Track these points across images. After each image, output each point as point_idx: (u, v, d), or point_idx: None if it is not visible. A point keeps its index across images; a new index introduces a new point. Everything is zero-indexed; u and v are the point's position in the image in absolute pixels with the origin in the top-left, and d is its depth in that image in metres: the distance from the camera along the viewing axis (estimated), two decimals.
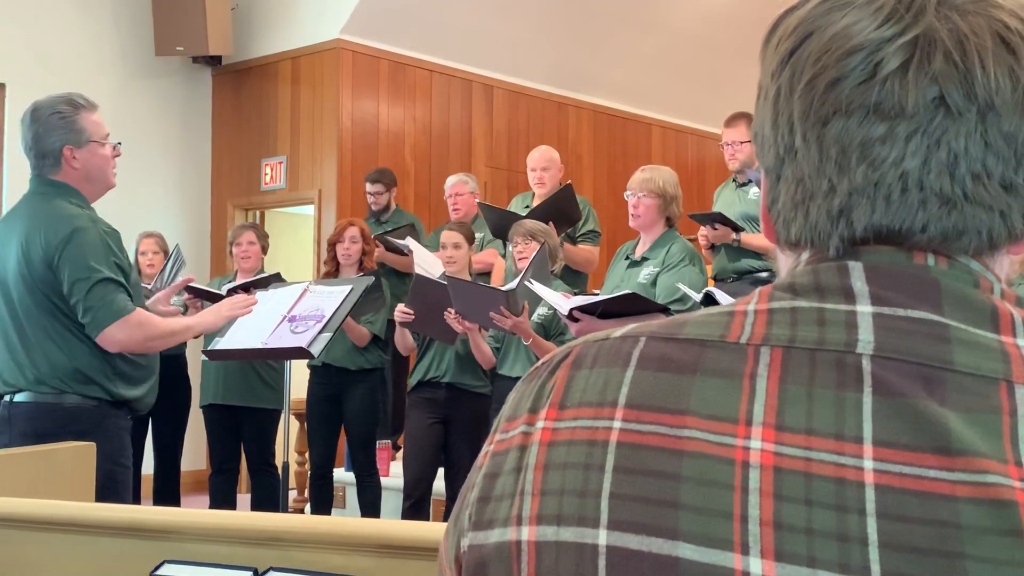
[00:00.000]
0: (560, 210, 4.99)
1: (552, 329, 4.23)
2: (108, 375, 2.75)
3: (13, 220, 2.84)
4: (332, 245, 5.09)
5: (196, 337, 4.74)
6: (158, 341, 2.87)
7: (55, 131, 2.80)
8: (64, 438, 2.58)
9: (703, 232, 4.88)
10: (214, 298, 4.87)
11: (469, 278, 4.70)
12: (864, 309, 0.59)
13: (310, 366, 5.00)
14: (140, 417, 2.93)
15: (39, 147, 2.79)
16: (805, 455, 0.55)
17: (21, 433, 2.67)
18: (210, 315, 3.17)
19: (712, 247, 4.95)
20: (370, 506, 5.04)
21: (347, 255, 5.01)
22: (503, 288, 3.99)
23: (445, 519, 4.65)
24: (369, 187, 6.27)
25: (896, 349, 0.57)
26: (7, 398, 2.77)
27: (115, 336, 2.72)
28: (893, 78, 0.59)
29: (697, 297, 3.52)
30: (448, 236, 4.67)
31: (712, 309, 0.65)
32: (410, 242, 5.31)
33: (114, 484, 2.71)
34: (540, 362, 0.69)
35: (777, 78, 0.64)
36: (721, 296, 3.40)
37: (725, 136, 4.98)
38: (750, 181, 4.84)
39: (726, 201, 5.02)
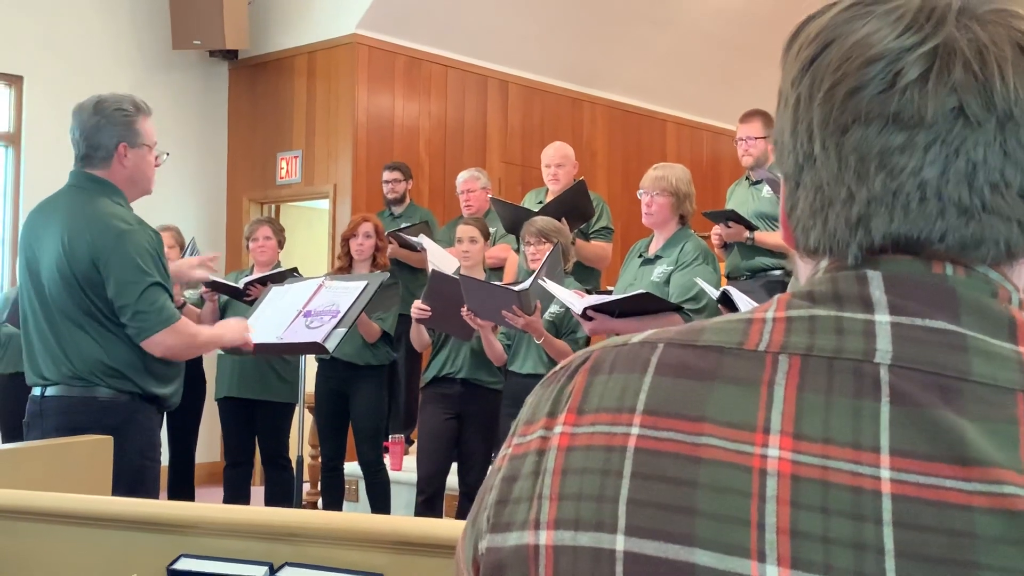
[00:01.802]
0: (573, 206, 4.99)
1: (563, 327, 4.23)
2: (140, 372, 2.76)
3: (51, 213, 2.82)
4: (345, 240, 5.10)
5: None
6: (196, 350, 2.93)
7: (115, 126, 2.80)
8: (96, 432, 2.59)
9: (716, 231, 4.87)
10: (233, 292, 4.90)
11: (483, 273, 4.70)
12: (882, 319, 0.59)
13: (318, 360, 5.01)
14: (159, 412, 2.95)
15: (94, 138, 2.79)
16: (822, 463, 0.56)
17: (55, 427, 2.68)
18: (229, 331, 3.19)
19: (725, 245, 4.94)
20: (379, 501, 5.05)
21: (360, 250, 5.02)
22: (516, 288, 4.00)
23: (458, 514, 4.67)
24: (386, 175, 6.28)
25: (914, 359, 0.58)
26: (39, 392, 2.78)
27: (162, 342, 2.74)
28: (913, 88, 0.59)
29: (715, 294, 3.52)
30: (464, 230, 4.67)
31: (730, 316, 0.65)
32: (423, 240, 5.31)
33: (142, 479, 2.73)
34: (558, 367, 0.69)
35: (797, 85, 0.65)
36: (737, 295, 3.40)
37: (740, 131, 4.97)
38: (763, 180, 4.83)
39: (739, 199, 5.01)
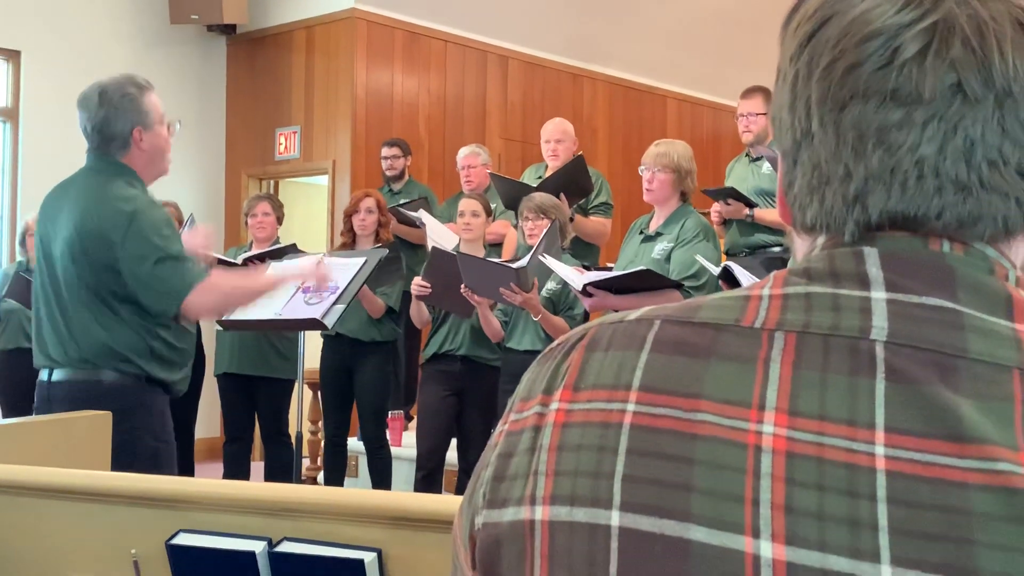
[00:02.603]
0: (572, 182, 4.98)
1: (560, 304, 4.24)
2: (145, 356, 2.73)
3: (66, 195, 2.79)
4: (348, 216, 5.10)
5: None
6: (236, 298, 2.84)
7: (126, 113, 2.77)
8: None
9: (716, 208, 4.86)
10: (232, 268, 4.90)
11: (483, 249, 4.70)
12: (879, 295, 0.59)
13: (324, 336, 5.02)
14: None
15: (109, 129, 2.75)
16: (817, 440, 0.56)
17: (64, 412, 2.67)
18: (298, 275, 3.10)
19: (724, 222, 4.94)
20: (380, 476, 5.07)
21: (363, 226, 5.02)
22: (514, 265, 4.00)
23: (457, 490, 4.69)
24: (385, 151, 6.26)
25: (910, 336, 0.58)
26: (46, 376, 2.77)
27: (195, 303, 2.69)
28: (911, 64, 0.59)
29: (715, 270, 3.52)
30: (467, 204, 4.67)
31: (727, 293, 0.65)
32: (423, 215, 5.31)
33: (157, 462, 2.71)
34: (555, 343, 0.70)
35: (795, 62, 0.64)
36: (739, 271, 3.40)
37: (741, 107, 4.96)
38: (762, 156, 4.82)
39: (738, 176, 5.00)
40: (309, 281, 3.09)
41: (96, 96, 2.78)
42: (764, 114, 4.82)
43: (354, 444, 5.50)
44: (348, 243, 5.08)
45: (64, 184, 2.85)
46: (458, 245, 4.73)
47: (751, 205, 4.71)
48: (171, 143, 2.90)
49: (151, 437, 2.71)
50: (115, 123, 2.76)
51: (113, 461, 2.35)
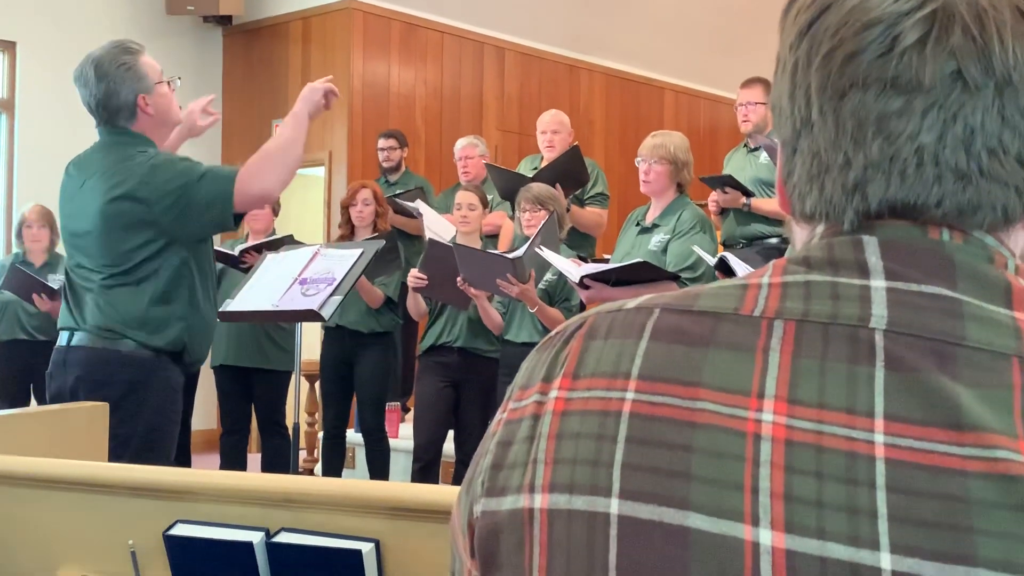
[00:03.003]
0: (568, 172, 4.97)
1: (556, 295, 4.24)
2: (165, 322, 2.71)
3: (85, 171, 2.78)
4: (345, 208, 5.10)
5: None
6: (284, 157, 2.76)
7: (125, 83, 2.76)
8: (116, 385, 2.58)
9: (713, 197, 4.86)
10: (228, 259, 4.89)
11: (480, 240, 4.70)
12: (878, 284, 0.59)
13: (324, 328, 5.02)
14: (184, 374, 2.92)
15: (113, 102, 2.75)
16: (816, 428, 0.56)
17: (76, 377, 2.66)
18: (308, 97, 3.06)
19: (721, 212, 4.94)
20: (378, 467, 5.07)
21: (360, 217, 5.02)
22: (510, 255, 3.99)
23: (454, 481, 4.69)
24: (382, 142, 6.25)
25: (909, 324, 0.58)
26: (65, 339, 2.74)
27: (247, 186, 2.66)
28: (911, 52, 0.59)
29: (712, 261, 3.52)
30: (464, 196, 4.66)
31: (726, 281, 0.65)
32: (420, 205, 5.30)
33: (160, 439, 2.69)
34: (554, 332, 0.69)
35: (795, 50, 0.64)
36: (735, 261, 3.40)
37: (740, 97, 4.96)
38: (760, 147, 4.82)
39: (736, 166, 5.00)
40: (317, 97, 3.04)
41: (92, 70, 2.77)
42: (763, 103, 4.81)
43: (352, 435, 5.50)
44: (347, 235, 5.08)
45: (80, 162, 2.84)
46: (455, 236, 4.73)
47: (748, 194, 4.71)
48: (174, 97, 2.90)
49: (155, 413, 2.69)
50: (118, 95, 2.75)
51: (112, 435, 2.34)
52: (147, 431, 2.62)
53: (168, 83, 2.87)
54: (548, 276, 4.21)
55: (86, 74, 2.77)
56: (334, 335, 5.04)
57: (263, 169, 2.72)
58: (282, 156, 2.78)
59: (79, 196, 2.76)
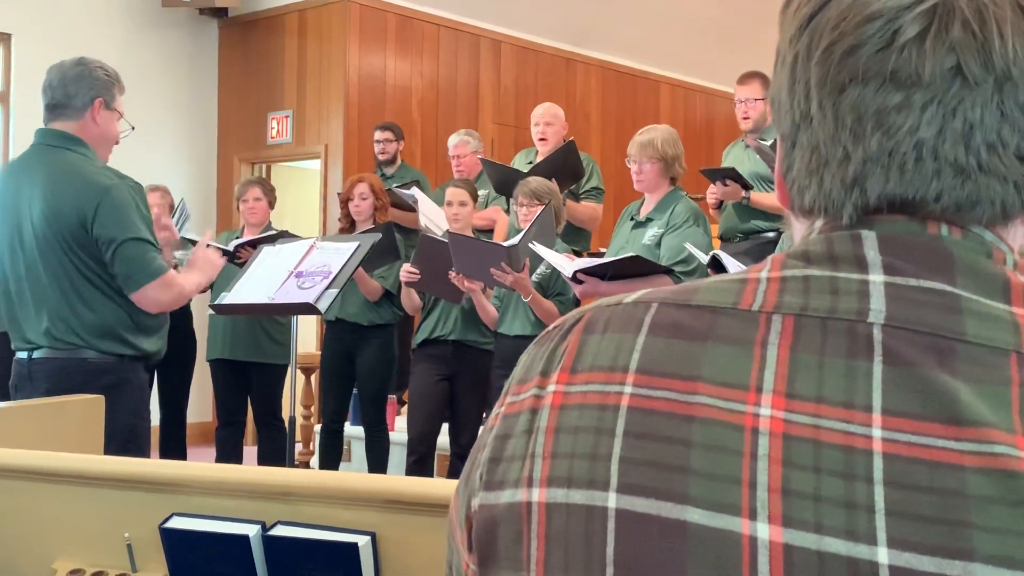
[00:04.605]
0: (563, 167, 4.97)
1: (550, 289, 4.24)
2: (131, 329, 2.78)
3: (26, 173, 2.80)
4: (344, 203, 5.09)
5: (204, 291, 4.75)
6: (183, 299, 2.94)
7: (96, 82, 2.82)
8: (88, 393, 2.60)
9: (712, 190, 4.86)
10: (222, 254, 4.88)
11: (473, 235, 4.70)
12: (876, 279, 0.59)
13: (325, 322, 5.02)
14: (146, 369, 2.99)
15: (73, 87, 2.79)
16: (814, 423, 0.56)
17: (45, 391, 2.68)
18: (206, 267, 3.17)
19: (719, 205, 4.93)
20: (378, 460, 5.08)
21: (358, 211, 5.02)
22: (505, 244, 3.99)
23: (449, 474, 4.70)
24: (378, 135, 6.24)
25: (907, 319, 0.58)
26: (25, 355, 2.77)
27: (150, 295, 2.76)
28: (910, 46, 0.59)
29: (704, 259, 3.52)
30: (454, 193, 4.66)
31: (724, 276, 0.65)
32: (415, 192, 5.29)
33: (136, 438, 2.76)
34: (552, 326, 0.69)
35: (795, 44, 0.64)
36: (727, 259, 3.40)
37: (738, 94, 4.94)
38: (753, 148, 4.81)
39: (735, 159, 4.99)
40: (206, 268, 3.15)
41: (73, 61, 2.85)
42: (762, 100, 4.80)
43: (348, 429, 5.50)
44: (346, 228, 5.08)
45: (21, 163, 2.87)
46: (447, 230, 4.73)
47: (748, 187, 4.71)
48: (115, 146, 2.97)
49: (132, 415, 2.76)
50: (82, 84, 2.82)
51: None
52: (123, 433, 2.70)
53: (122, 131, 2.93)
54: (542, 269, 4.21)
55: (65, 62, 2.85)
56: (335, 329, 5.04)
57: (169, 300, 2.86)
58: (186, 299, 3.05)
59: (24, 200, 2.80)
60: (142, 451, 2.78)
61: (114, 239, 2.70)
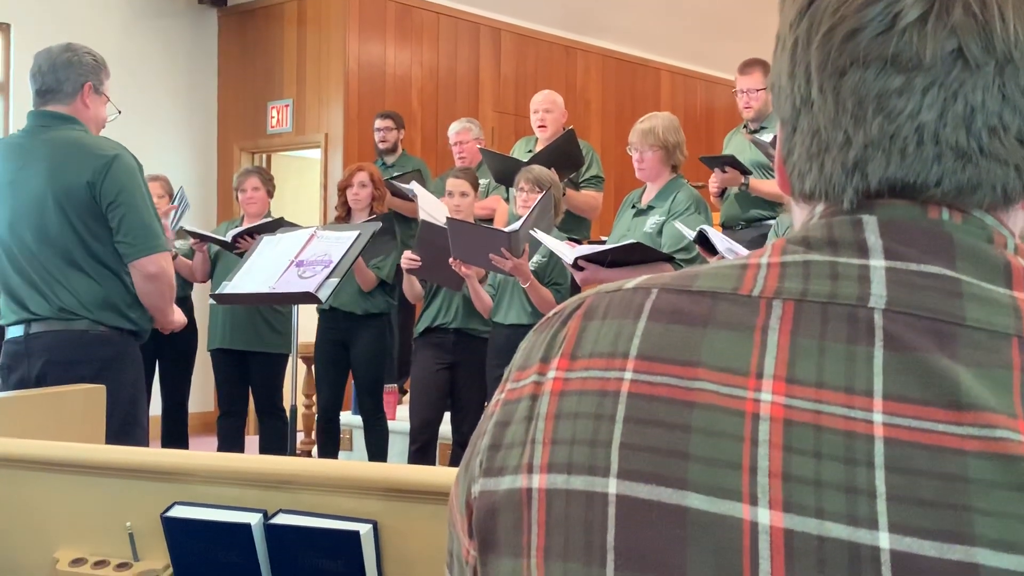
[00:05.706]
0: (563, 155, 4.97)
1: (546, 277, 4.24)
2: (130, 304, 2.81)
3: (28, 148, 2.82)
4: (342, 191, 5.09)
5: (204, 281, 4.77)
6: (168, 291, 2.92)
7: (86, 67, 2.85)
8: (88, 365, 2.62)
9: (713, 178, 4.86)
10: (222, 243, 4.88)
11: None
12: (877, 263, 0.59)
13: (319, 310, 5.02)
14: (147, 359, 3.00)
15: (63, 71, 2.82)
16: (815, 408, 0.55)
17: (45, 361, 2.71)
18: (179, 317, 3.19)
19: (721, 194, 4.93)
20: (377, 449, 5.09)
21: (357, 200, 5.02)
22: (506, 229, 3.99)
23: (451, 463, 4.70)
24: (378, 123, 6.24)
25: (908, 304, 0.57)
26: (20, 331, 2.78)
27: (147, 268, 2.78)
28: (911, 29, 0.59)
29: (691, 235, 3.51)
30: (454, 184, 4.66)
31: (725, 262, 0.65)
32: (415, 187, 5.30)
33: (136, 410, 2.80)
34: (551, 313, 0.69)
35: (795, 28, 0.64)
36: (713, 234, 3.41)
37: (739, 83, 4.93)
38: (763, 128, 4.80)
39: (736, 147, 4.99)
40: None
41: (63, 47, 2.89)
42: (764, 89, 4.79)
43: (349, 418, 5.50)
44: (343, 216, 5.07)
45: (20, 144, 2.88)
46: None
47: (747, 173, 4.71)
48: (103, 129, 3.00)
49: (131, 387, 2.79)
50: (72, 69, 2.86)
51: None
52: (127, 406, 2.75)
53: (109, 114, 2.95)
54: (538, 257, 4.21)
55: (53, 47, 2.87)
56: (328, 317, 5.04)
57: (165, 278, 2.87)
58: (168, 294, 2.94)
59: (25, 178, 2.82)
60: (142, 424, 2.82)
61: (122, 204, 2.73)
